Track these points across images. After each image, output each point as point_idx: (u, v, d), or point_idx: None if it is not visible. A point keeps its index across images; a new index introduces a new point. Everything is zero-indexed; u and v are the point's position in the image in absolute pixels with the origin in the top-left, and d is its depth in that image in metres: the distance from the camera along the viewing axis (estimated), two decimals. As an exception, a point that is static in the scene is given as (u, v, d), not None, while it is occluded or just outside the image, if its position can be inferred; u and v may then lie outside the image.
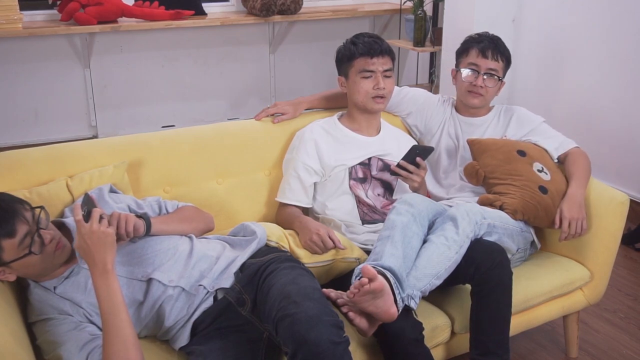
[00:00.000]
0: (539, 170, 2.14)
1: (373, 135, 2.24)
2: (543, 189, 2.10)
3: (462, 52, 2.33)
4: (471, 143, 2.25)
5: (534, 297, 2.06)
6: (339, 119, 2.26)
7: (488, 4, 3.74)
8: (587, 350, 2.40)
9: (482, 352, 1.84)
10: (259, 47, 4.92)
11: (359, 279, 1.65)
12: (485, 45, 2.26)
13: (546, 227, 2.17)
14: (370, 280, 1.61)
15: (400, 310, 1.69)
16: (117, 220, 1.59)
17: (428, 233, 1.90)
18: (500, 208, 2.06)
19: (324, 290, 1.68)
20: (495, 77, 2.26)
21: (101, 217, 1.52)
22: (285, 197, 2.17)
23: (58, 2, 4.07)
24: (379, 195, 2.18)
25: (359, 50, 2.10)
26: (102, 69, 4.49)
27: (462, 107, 2.38)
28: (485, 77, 2.25)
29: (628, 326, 2.55)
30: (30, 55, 4.28)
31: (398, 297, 1.69)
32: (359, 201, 2.15)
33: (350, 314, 1.66)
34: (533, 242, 2.18)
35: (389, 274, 1.70)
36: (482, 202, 2.10)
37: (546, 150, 2.25)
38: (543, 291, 2.08)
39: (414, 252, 1.82)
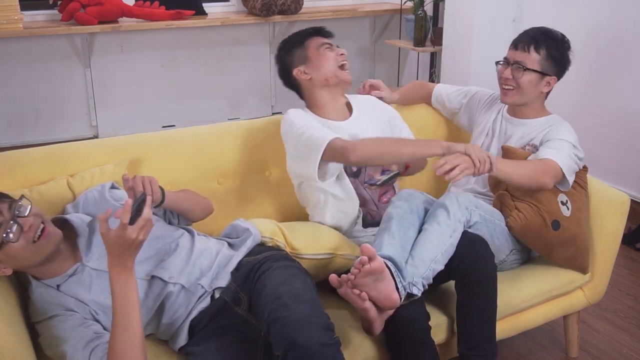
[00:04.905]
0: (562, 203, 2.05)
1: (346, 118, 2.17)
2: (556, 224, 2.01)
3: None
4: (505, 150, 2.12)
5: (534, 296, 2.06)
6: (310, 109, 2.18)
7: (488, 4, 3.74)
8: (588, 350, 2.40)
9: (469, 347, 1.85)
10: (259, 47, 4.92)
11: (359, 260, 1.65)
12: (521, 37, 2.14)
13: (541, 255, 2.14)
14: (370, 259, 1.62)
15: (402, 298, 1.70)
16: (142, 184, 1.62)
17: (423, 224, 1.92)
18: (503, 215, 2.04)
19: (330, 277, 1.68)
20: (521, 67, 2.10)
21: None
22: (325, 139, 1.93)
23: (59, 2, 4.07)
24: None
25: None
26: (103, 69, 4.49)
27: (509, 107, 2.24)
28: (514, 68, 2.11)
29: (628, 326, 2.55)
30: (30, 55, 4.28)
31: (399, 285, 1.70)
32: (363, 204, 2.11)
33: (363, 294, 1.65)
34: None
35: (388, 263, 1.71)
36: (495, 199, 2.08)
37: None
38: (543, 291, 2.08)
39: (410, 242, 1.83)
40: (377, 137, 2.05)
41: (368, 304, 1.65)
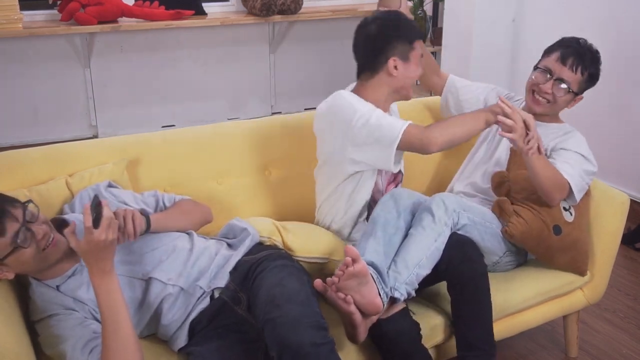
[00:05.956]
0: (564, 208, 2.04)
1: None
2: (557, 229, 2.00)
3: (547, 52, 2.14)
4: (513, 153, 2.08)
5: (533, 296, 2.06)
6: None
7: (488, 4, 3.74)
8: (587, 350, 2.40)
9: (467, 349, 1.84)
10: (259, 47, 4.91)
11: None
12: (570, 51, 2.07)
13: (540, 260, 2.13)
14: (354, 261, 1.61)
15: (385, 304, 1.70)
16: (123, 218, 1.59)
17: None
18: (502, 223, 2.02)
19: (316, 282, 1.67)
20: (564, 87, 2.06)
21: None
22: (398, 127, 1.86)
23: (58, 2, 4.07)
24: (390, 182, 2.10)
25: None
26: (102, 69, 4.49)
27: (527, 108, 2.18)
28: (557, 84, 2.07)
29: (628, 326, 2.55)
30: (30, 55, 4.28)
31: (381, 291, 1.69)
32: (377, 190, 2.05)
33: (348, 297, 1.64)
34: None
35: (371, 269, 1.70)
36: (494, 205, 2.05)
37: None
38: (542, 291, 2.08)
39: (394, 248, 1.83)
40: (444, 121, 1.94)
41: (353, 308, 1.64)
